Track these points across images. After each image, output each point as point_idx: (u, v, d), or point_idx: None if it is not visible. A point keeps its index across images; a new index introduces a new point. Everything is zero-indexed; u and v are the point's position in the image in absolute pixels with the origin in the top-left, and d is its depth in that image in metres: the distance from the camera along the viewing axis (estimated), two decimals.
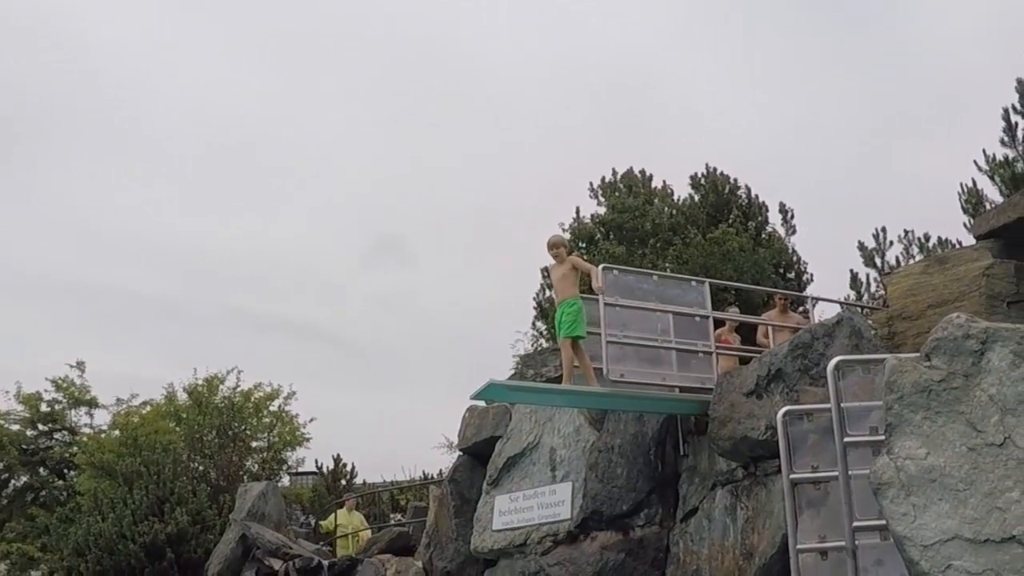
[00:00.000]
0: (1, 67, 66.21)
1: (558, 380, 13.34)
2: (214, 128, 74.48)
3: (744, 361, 13.11)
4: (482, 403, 15.22)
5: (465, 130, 73.80)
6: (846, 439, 8.30)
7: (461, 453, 16.15)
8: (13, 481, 37.14)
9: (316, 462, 31.05)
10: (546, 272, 26.38)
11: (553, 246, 12.50)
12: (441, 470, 23.81)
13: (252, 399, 30.60)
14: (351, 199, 75.75)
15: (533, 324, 26.30)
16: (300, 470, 32.82)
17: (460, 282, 65.29)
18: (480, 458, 15.36)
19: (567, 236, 26.22)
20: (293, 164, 73.65)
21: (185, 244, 66.30)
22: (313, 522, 26.10)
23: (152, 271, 65.16)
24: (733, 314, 15.94)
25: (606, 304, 11.89)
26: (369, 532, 22.09)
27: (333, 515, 22.22)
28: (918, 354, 7.25)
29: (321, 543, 21.02)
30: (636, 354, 12.14)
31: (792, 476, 9.06)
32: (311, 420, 31.68)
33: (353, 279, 71.09)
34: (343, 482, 28.32)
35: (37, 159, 67.58)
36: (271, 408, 31.11)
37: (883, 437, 7.47)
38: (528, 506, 13.86)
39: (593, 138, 64.31)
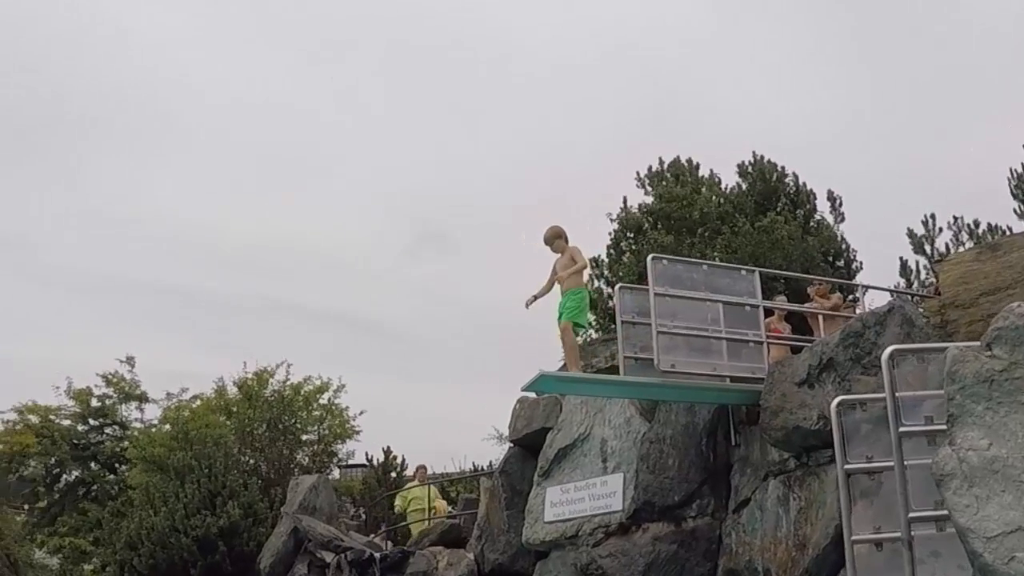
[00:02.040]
0: (46, 65, 66.85)
1: (608, 371, 13.35)
2: (260, 123, 74.98)
3: (795, 350, 13.03)
4: (532, 394, 15.25)
5: (509, 120, 73.79)
6: (901, 429, 8.23)
7: (512, 445, 16.12)
8: (65, 476, 37.48)
9: (366, 455, 31.10)
10: (594, 263, 26.39)
11: (551, 239, 12.51)
12: (491, 462, 23.88)
13: (302, 392, 30.64)
14: (394, 191, 75.90)
15: None
16: (350, 463, 32.87)
17: (505, 273, 65.30)
18: (531, 449, 15.35)
19: (615, 226, 26.25)
20: (337, 157, 73.99)
21: (233, 239, 66.82)
22: (364, 515, 26.14)
23: (200, 267, 65.76)
24: (782, 303, 15.87)
25: (656, 294, 11.85)
26: (444, 503, 22.04)
27: (405, 493, 22.01)
28: (979, 343, 7.19)
29: (375, 532, 20.96)
30: (686, 344, 12.10)
31: (847, 466, 9.01)
32: (361, 413, 31.71)
33: (398, 271, 71.28)
34: (393, 474, 28.35)
35: (85, 157, 68.35)
36: (321, 401, 31.15)
37: (939, 427, 7.42)
38: (580, 497, 13.85)
39: (640, 127, 64.14)
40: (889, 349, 8.57)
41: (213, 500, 20.47)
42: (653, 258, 12.34)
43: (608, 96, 70.95)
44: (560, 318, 12.61)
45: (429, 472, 23.33)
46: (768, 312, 14.10)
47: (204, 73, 71.29)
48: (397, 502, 22.39)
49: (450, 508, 21.71)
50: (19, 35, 68.84)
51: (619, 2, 72.21)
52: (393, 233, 74.69)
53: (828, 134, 58.62)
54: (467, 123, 75.59)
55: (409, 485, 22.47)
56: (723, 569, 12.25)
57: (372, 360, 61.48)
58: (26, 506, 40.31)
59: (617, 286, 13.50)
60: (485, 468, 22.21)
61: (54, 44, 70.20)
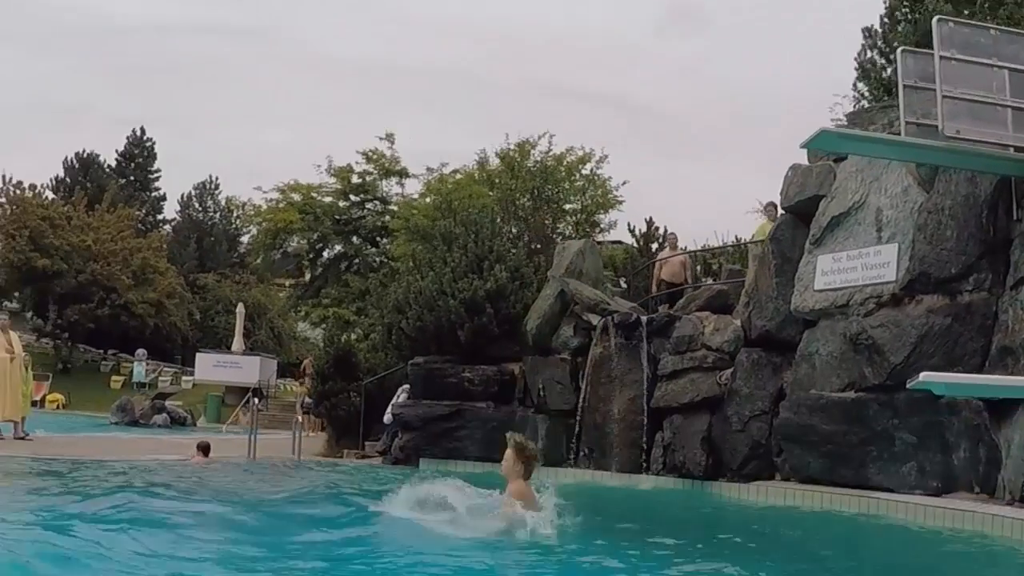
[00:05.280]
0: None
1: None
2: None
3: None
4: (805, 162, 15.03)
5: None
6: None
7: (783, 212, 15.94)
8: (327, 250, 39.35)
9: (628, 225, 31.36)
10: (866, 32, 25.49)
11: None
12: (752, 235, 23.61)
13: (564, 163, 30.85)
14: None
15: (854, 85, 25.52)
16: (609, 239, 32.91)
17: (763, 48, 63.57)
18: (803, 217, 15.10)
19: None
20: None
21: (487, 20, 67.07)
22: (626, 284, 26.38)
23: (456, 48, 66.44)
24: None
25: (942, 57, 11.42)
26: None
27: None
28: None
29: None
30: (969, 111, 11.67)
31: None
32: (624, 183, 31.78)
33: (651, 48, 70.13)
34: (655, 246, 28.54)
35: None
36: (583, 171, 31.34)
37: None
38: (852, 267, 13.70)
39: None
40: None
41: (480, 264, 20.69)
42: (939, 20, 11.83)
43: None
44: None
45: (691, 244, 23.04)
46: None
47: None
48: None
49: (709, 280, 21.15)
50: None
51: None
52: (643, 10, 73.26)
53: None
54: None
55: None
56: (997, 346, 12.03)
57: (628, 137, 61.38)
58: (288, 282, 42.65)
59: (899, 48, 13.00)
60: (747, 242, 21.80)
61: None
